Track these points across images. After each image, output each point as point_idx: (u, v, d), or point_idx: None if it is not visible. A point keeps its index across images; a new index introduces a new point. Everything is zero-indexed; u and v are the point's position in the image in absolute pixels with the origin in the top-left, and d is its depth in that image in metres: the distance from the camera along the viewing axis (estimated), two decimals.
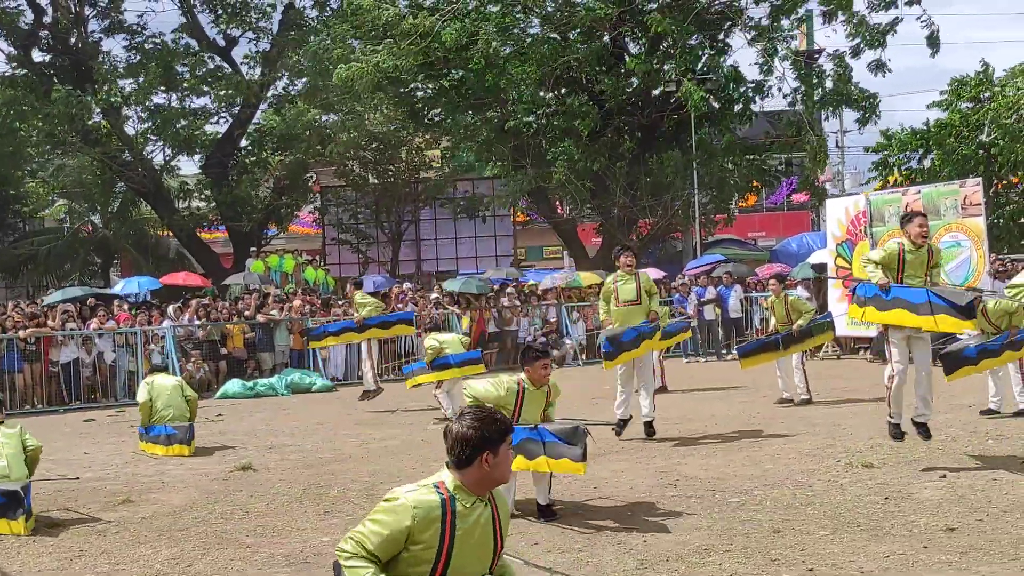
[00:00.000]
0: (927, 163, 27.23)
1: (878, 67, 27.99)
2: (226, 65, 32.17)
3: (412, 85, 29.66)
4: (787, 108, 30.12)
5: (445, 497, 4.07)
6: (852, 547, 6.45)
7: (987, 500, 7.63)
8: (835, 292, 21.52)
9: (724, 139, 28.28)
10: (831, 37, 27.79)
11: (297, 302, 22.13)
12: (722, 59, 29.16)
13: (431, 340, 14.13)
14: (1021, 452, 9.46)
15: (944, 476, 8.53)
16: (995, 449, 9.58)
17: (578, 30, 28.30)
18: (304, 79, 32.01)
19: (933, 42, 27.36)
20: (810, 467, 9.22)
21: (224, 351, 20.52)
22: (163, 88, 30.97)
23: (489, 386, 7.80)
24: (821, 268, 22.25)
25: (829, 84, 28.49)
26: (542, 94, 28.66)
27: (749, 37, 28.91)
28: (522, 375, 7.87)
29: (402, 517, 4.00)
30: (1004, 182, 26.41)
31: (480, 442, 4.08)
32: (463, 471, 4.11)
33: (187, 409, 12.30)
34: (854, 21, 27.49)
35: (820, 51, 30.42)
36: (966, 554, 6.24)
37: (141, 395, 12.63)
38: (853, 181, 41.18)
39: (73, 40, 31.29)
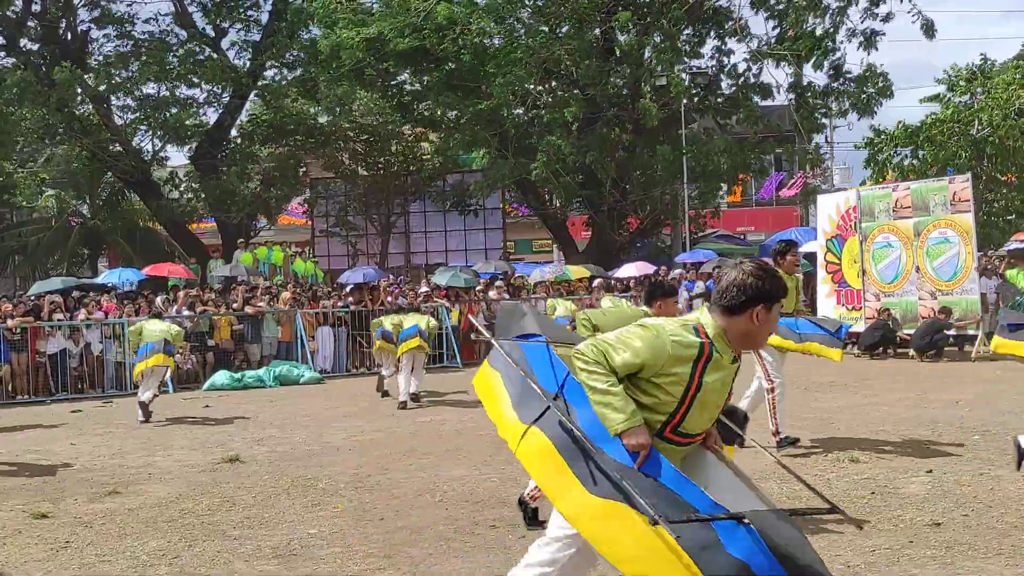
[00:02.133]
0: (917, 160, 27.33)
1: (868, 42, 28.03)
2: (216, 56, 32.07)
3: (400, 78, 29.63)
4: (781, 105, 30.24)
5: (704, 341, 3.95)
6: (838, 541, 6.47)
7: (972, 495, 7.66)
8: (824, 287, 21.60)
9: (717, 141, 28.32)
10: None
11: (286, 294, 22.09)
12: (723, 58, 29.35)
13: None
14: (1007, 448, 9.50)
15: (930, 471, 8.56)
16: (981, 444, 9.61)
17: (568, 23, 28.30)
18: (297, 71, 31.91)
19: (929, 31, 27.41)
20: (797, 461, 9.24)
21: (211, 343, 20.48)
22: (153, 78, 30.84)
23: None
24: (809, 259, 22.31)
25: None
26: (531, 86, 28.64)
27: (741, 36, 29.03)
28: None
29: (661, 343, 3.89)
30: (996, 177, 26.51)
31: (758, 293, 3.95)
32: (730, 318, 3.97)
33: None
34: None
35: (812, 47, 30.43)
36: (951, 549, 6.26)
37: (133, 328, 15.13)
38: (843, 177, 41.23)
39: (62, 30, 31.15)
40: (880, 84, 28.01)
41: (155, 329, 14.72)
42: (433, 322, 16.63)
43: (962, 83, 27.33)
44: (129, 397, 18.30)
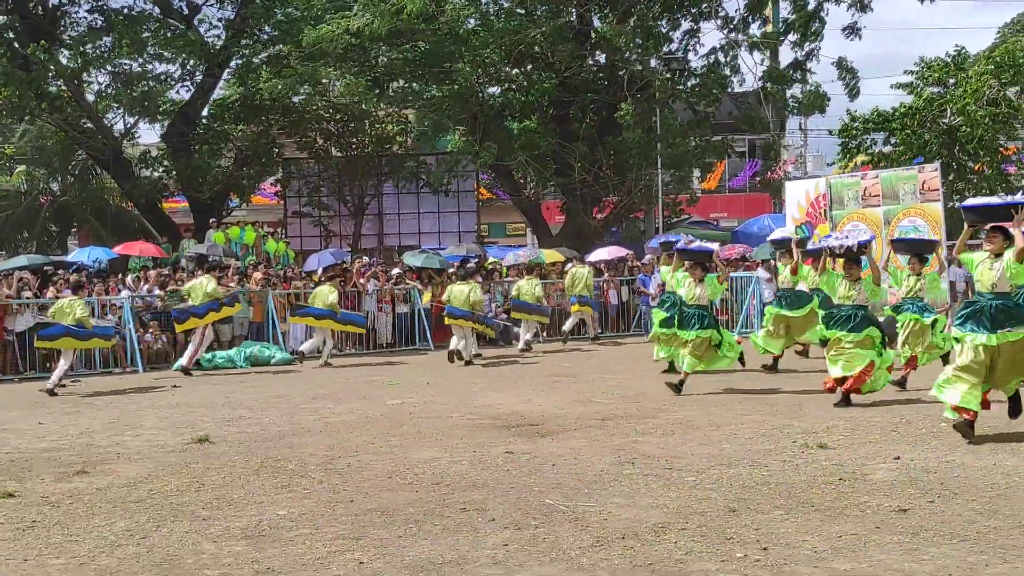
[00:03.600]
0: (889, 147, 27.48)
1: (853, 31, 28.39)
2: (190, 34, 31.74)
3: (375, 54, 29.48)
4: (751, 90, 30.35)
5: None
6: (806, 527, 6.52)
7: (939, 482, 7.73)
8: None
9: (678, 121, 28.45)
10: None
11: (257, 275, 21.96)
12: (692, 41, 29.45)
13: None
14: (975, 433, 9.60)
15: (898, 458, 8.64)
16: (948, 432, 9.70)
17: (544, 6, 28.27)
18: (269, 51, 31.65)
19: None
20: (766, 447, 9.31)
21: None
22: (127, 52, 30.46)
23: None
24: (782, 244, 22.39)
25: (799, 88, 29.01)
26: (506, 69, 28.61)
27: (718, 24, 29.19)
28: None
29: None
30: (967, 167, 26.70)
31: None
32: None
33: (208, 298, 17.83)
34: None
35: (786, 34, 30.58)
36: (917, 535, 6.32)
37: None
38: (816, 164, 41.43)
39: (33, 3, 30.73)
40: (849, 81, 28.28)
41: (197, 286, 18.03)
42: (477, 295, 18.74)
43: (934, 74, 27.47)
44: (98, 376, 18.22)
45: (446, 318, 18.92)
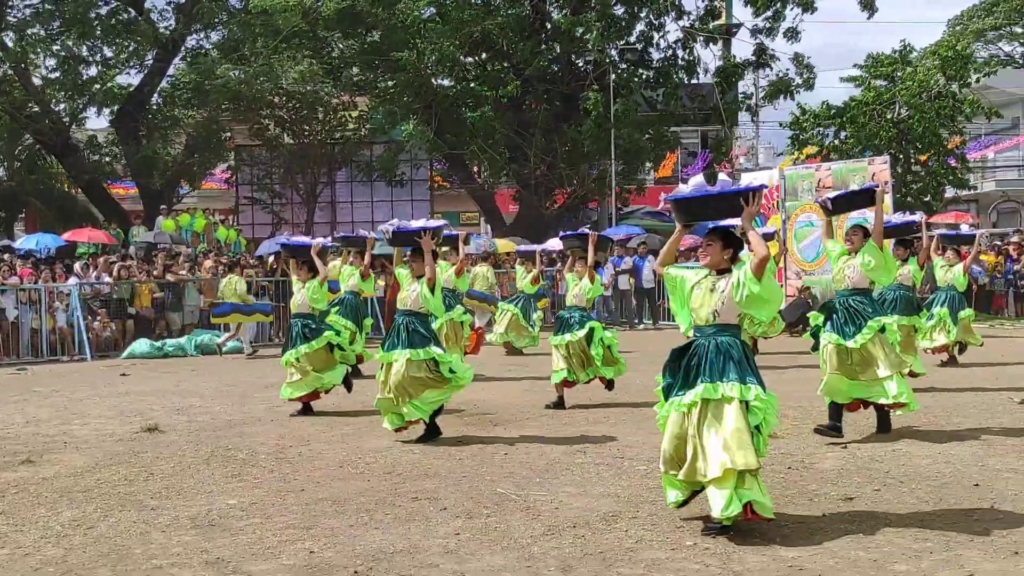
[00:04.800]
0: (838, 140, 27.78)
1: (792, 34, 28.88)
2: (140, 19, 31.34)
3: (329, 41, 29.31)
4: (706, 82, 30.58)
5: None
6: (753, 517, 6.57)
7: (885, 471, 7.84)
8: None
9: (623, 103, 28.55)
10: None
11: (208, 262, 21.77)
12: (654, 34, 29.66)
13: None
14: (921, 424, 9.75)
15: (845, 447, 8.75)
16: (894, 422, 9.84)
17: None
18: (219, 31, 31.34)
19: (868, 4, 28.24)
20: None
21: (132, 310, 20.12)
22: (75, 37, 30.00)
23: None
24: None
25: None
26: (461, 58, 28.55)
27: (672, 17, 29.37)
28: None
29: None
30: (914, 160, 27.05)
31: None
32: None
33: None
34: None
35: (738, 26, 30.82)
36: (863, 523, 6.41)
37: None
38: (767, 155, 41.74)
39: None
40: (805, 75, 28.71)
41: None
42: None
43: (882, 68, 27.83)
44: (45, 364, 17.97)
45: None
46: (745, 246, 6.61)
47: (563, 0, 29.46)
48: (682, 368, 6.47)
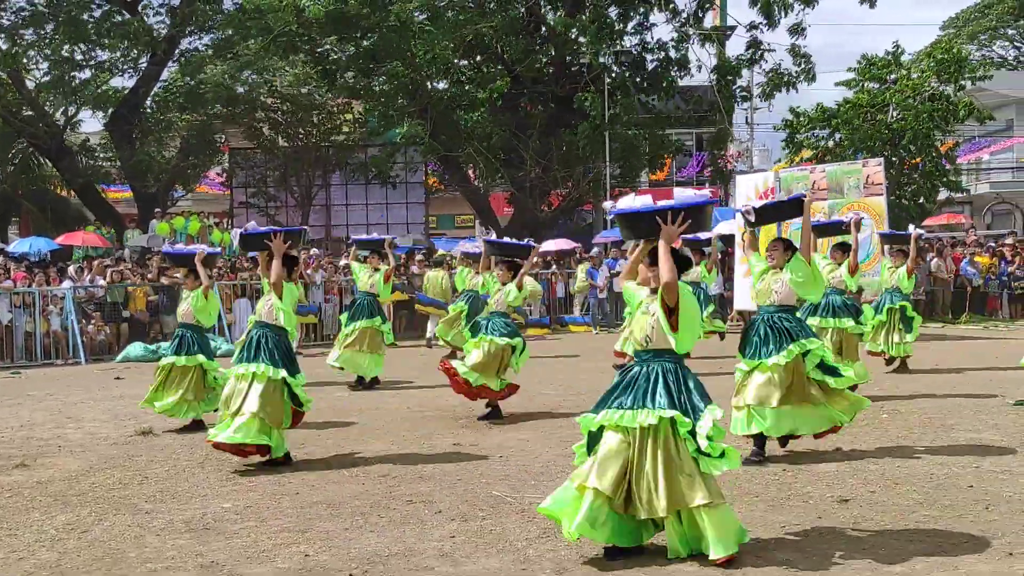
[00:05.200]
0: (832, 142, 27.80)
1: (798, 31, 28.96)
2: (135, 21, 31.31)
3: (326, 46, 29.31)
4: (704, 84, 30.61)
5: None
6: (750, 516, 6.58)
7: (880, 472, 7.85)
8: (742, 267, 21.86)
9: (626, 101, 28.60)
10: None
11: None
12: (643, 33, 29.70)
13: None
14: (915, 426, 9.76)
15: (839, 449, 8.75)
16: (889, 422, 9.85)
17: (494, 1, 28.29)
18: (212, 34, 31.31)
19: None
20: None
21: (126, 313, 20.09)
22: (68, 40, 29.95)
23: None
24: (728, 240, 22.56)
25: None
26: (456, 61, 28.58)
27: (665, 18, 29.41)
28: None
29: None
30: (907, 162, 27.07)
31: None
32: None
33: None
34: None
35: (733, 28, 30.86)
36: (858, 524, 6.42)
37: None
38: (762, 158, 41.75)
39: None
40: (803, 65, 28.74)
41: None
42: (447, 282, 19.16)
43: (876, 71, 27.86)
44: (39, 367, 17.93)
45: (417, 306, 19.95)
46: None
47: (558, 2, 29.46)
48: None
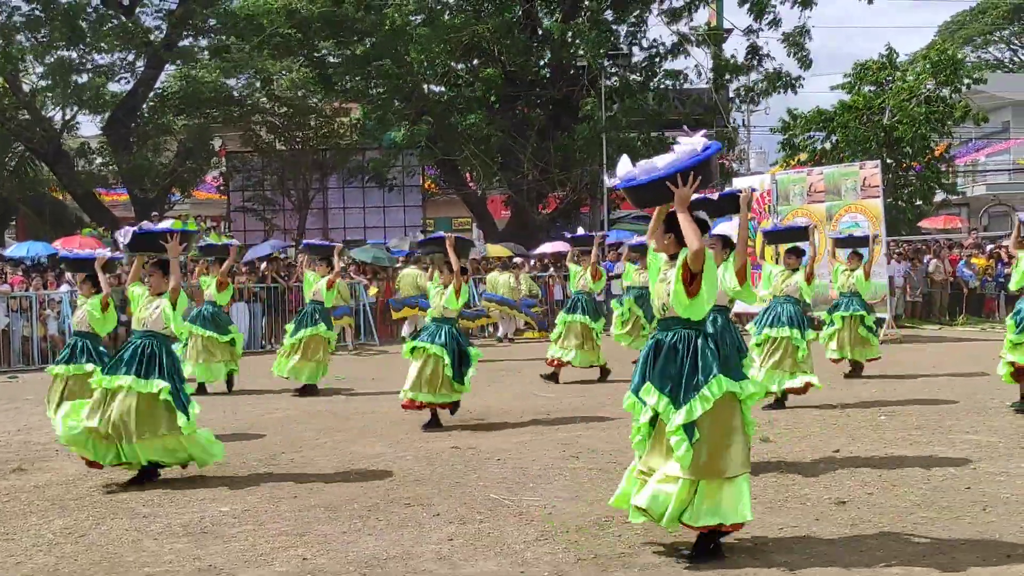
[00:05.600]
0: (829, 144, 27.86)
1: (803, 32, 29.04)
2: (131, 24, 31.29)
3: (323, 51, 29.34)
4: (701, 87, 30.62)
5: None
6: None
7: (877, 474, 7.85)
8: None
9: (626, 102, 28.61)
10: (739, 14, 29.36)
11: (199, 269, 21.71)
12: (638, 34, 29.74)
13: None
14: (913, 427, 9.77)
15: (837, 451, 8.76)
16: (886, 424, 9.86)
17: (490, 4, 28.31)
18: (209, 38, 31.31)
19: None
20: None
21: (124, 317, 20.02)
22: (65, 44, 29.91)
23: None
24: (726, 241, 22.57)
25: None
26: (452, 64, 28.60)
27: (665, 20, 29.42)
28: None
29: None
30: (904, 164, 27.13)
31: None
32: None
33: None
34: None
35: (729, 31, 30.88)
36: (856, 526, 6.42)
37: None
38: (758, 161, 41.80)
39: None
40: (798, 54, 28.77)
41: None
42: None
43: (870, 74, 27.92)
44: (36, 372, 17.89)
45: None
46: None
47: (554, 5, 29.49)
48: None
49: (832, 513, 6.76)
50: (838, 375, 13.95)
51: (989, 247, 26.06)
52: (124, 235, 8.57)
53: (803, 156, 28.47)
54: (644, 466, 5.94)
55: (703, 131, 6.20)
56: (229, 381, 14.14)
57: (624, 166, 6.14)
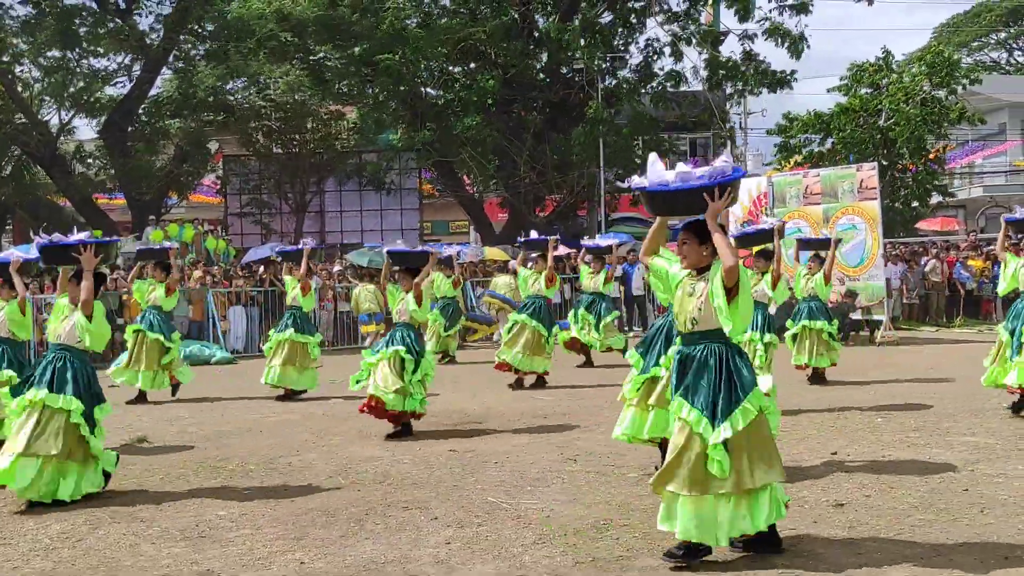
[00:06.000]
0: (826, 147, 27.90)
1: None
2: (127, 28, 31.29)
3: (319, 55, 29.36)
4: (697, 90, 30.66)
5: None
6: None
7: (875, 476, 7.85)
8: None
9: (626, 104, 28.65)
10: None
11: (197, 272, 21.72)
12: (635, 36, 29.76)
13: None
14: (909, 431, 9.77)
15: (835, 453, 8.75)
16: (884, 426, 9.86)
17: (487, 7, 28.33)
18: (205, 46, 31.32)
19: None
20: None
21: (121, 321, 20.02)
22: (59, 47, 29.89)
23: None
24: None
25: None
26: (449, 67, 28.63)
27: (661, 20, 29.44)
28: None
29: None
30: (900, 166, 27.16)
31: None
32: None
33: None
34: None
35: (726, 33, 30.91)
36: (854, 528, 6.41)
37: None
38: (755, 163, 41.85)
39: None
40: (788, 43, 28.80)
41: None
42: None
43: (866, 76, 27.96)
44: None
45: None
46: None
47: (550, 8, 29.51)
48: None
49: (830, 515, 6.76)
50: (829, 378, 13.94)
51: (986, 249, 26.08)
52: (37, 247, 8.29)
53: (798, 158, 28.52)
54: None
55: (726, 152, 6.14)
56: (174, 388, 13.85)
57: (656, 169, 6.01)
